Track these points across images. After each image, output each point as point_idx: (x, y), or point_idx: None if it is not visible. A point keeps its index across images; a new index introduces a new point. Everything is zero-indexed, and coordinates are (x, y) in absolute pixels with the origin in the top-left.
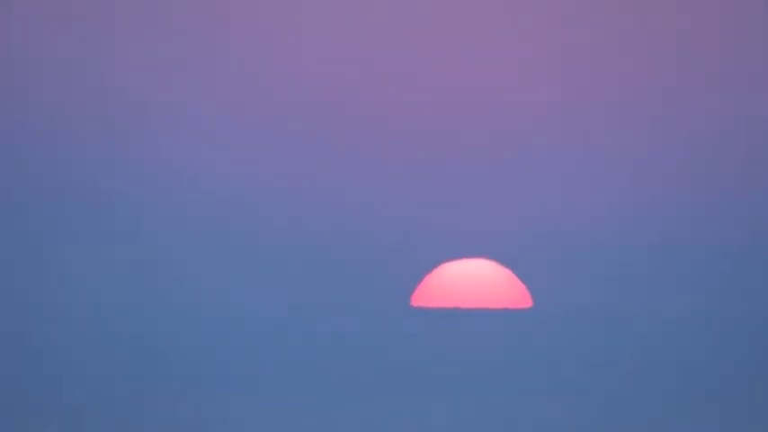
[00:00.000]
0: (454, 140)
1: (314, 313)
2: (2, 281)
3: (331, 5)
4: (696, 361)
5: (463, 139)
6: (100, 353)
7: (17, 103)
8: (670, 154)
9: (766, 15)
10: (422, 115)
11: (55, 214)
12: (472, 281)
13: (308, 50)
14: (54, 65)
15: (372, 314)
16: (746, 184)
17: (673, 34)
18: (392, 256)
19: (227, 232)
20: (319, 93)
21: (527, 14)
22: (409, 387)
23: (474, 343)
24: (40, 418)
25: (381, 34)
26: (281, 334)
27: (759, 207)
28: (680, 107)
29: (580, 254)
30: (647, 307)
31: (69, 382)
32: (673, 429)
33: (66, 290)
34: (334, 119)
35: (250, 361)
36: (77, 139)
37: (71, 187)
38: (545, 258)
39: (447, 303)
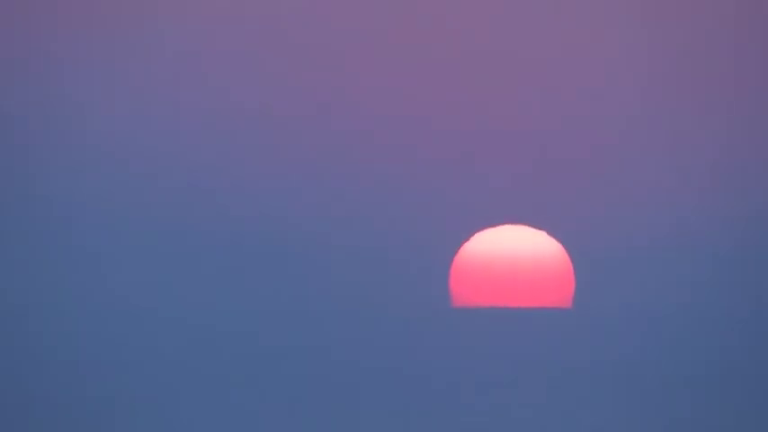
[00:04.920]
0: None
1: (342, 319)
2: None
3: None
4: (748, 368)
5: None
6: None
7: None
8: (742, 162)
9: None
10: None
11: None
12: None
13: (325, 43)
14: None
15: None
16: None
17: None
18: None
19: (239, 235)
20: (328, 84)
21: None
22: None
23: (513, 345)
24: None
25: (426, 23)
26: (313, 341)
27: None
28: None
29: (642, 255)
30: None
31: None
32: None
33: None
34: (357, 110)
35: (276, 368)
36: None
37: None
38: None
39: (491, 299)
